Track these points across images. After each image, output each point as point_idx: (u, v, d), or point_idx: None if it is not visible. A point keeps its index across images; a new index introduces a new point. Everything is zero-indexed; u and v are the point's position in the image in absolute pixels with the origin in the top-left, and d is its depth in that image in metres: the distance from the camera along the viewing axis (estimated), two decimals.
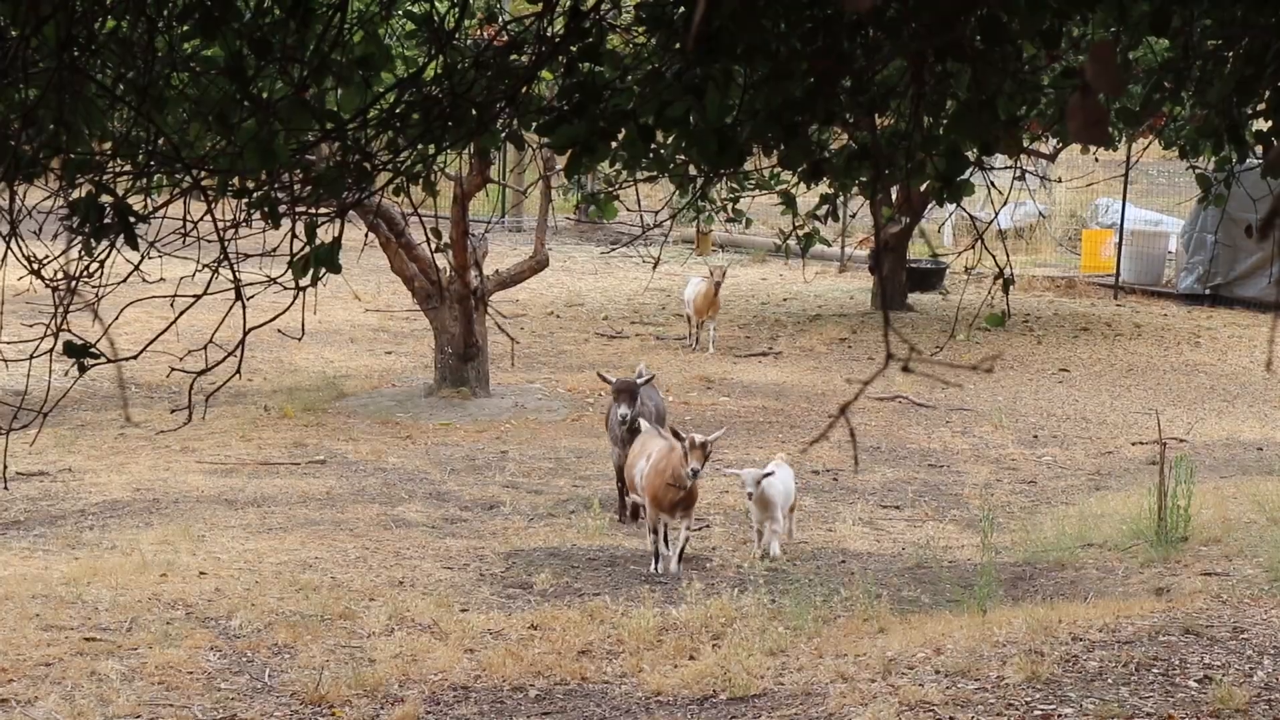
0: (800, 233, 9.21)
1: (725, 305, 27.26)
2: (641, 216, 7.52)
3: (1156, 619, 10.12)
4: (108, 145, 5.63)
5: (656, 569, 12.48)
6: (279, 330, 6.10)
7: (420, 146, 5.74)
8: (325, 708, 9.36)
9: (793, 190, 8.03)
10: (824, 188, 7.53)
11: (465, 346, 19.45)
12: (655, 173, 6.96)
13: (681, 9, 5.53)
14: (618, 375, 15.06)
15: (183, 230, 5.76)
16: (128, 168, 5.60)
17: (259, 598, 11.28)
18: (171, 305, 5.82)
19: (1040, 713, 8.37)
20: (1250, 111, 7.05)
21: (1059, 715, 8.20)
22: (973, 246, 6.37)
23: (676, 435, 12.41)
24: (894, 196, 25.26)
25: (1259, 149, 7.09)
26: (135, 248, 5.30)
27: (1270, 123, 6.67)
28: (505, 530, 13.73)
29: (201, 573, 11.90)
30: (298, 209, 5.55)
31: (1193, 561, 12.02)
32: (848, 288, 29.81)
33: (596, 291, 28.76)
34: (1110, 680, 8.86)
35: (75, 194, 5.36)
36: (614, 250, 11.22)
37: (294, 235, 5.50)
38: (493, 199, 33.01)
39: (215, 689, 9.60)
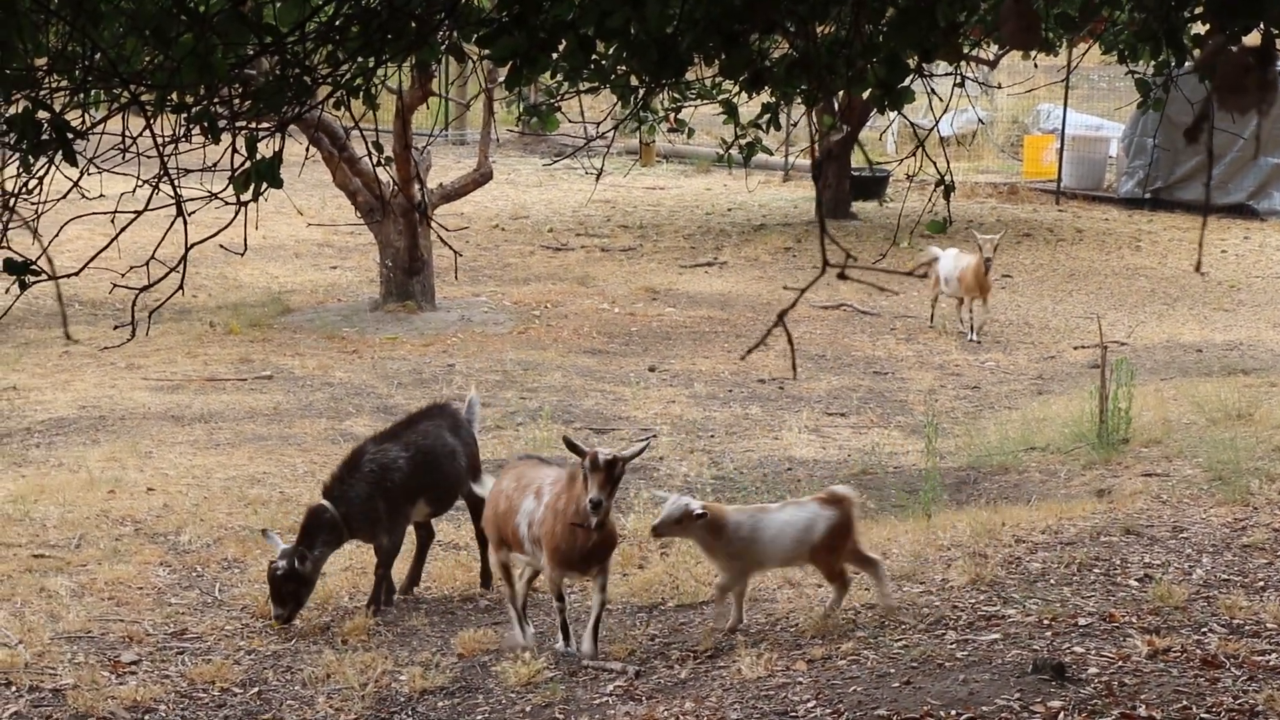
0: (742, 142, 9.25)
1: (670, 216, 27.23)
2: (585, 128, 7.51)
3: (1098, 520, 10.25)
4: (43, 61, 5.58)
5: (567, 647, 8.73)
6: (221, 246, 6.09)
7: (360, 60, 5.72)
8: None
9: (734, 100, 8.04)
10: (765, 97, 7.54)
11: (410, 260, 19.41)
12: (596, 84, 6.95)
13: None
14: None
15: (122, 146, 5.74)
16: (64, 83, 5.56)
17: (207, 513, 11.30)
18: (112, 222, 5.80)
19: (984, 614, 8.47)
20: (1188, 15, 7.08)
21: (1003, 616, 8.31)
22: (913, 154, 6.39)
23: (575, 449, 8.29)
24: (836, 105, 25.28)
25: (1197, 53, 7.12)
26: (74, 164, 5.28)
27: (1207, 26, 6.70)
28: None
29: (149, 489, 11.90)
30: (237, 123, 5.53)
31: (1133, 463, 12.16)
32: (791, 197, 29.80)
33: (541, 204, 28.67)
34: (1053, 581, 8.97)
35: (11, 110, 5.33)
36: (557, 162, 11.14)
37: (234, 150, 5.48)
38: (435, 112, 32.74)
39: (165, 604, 9.63)
